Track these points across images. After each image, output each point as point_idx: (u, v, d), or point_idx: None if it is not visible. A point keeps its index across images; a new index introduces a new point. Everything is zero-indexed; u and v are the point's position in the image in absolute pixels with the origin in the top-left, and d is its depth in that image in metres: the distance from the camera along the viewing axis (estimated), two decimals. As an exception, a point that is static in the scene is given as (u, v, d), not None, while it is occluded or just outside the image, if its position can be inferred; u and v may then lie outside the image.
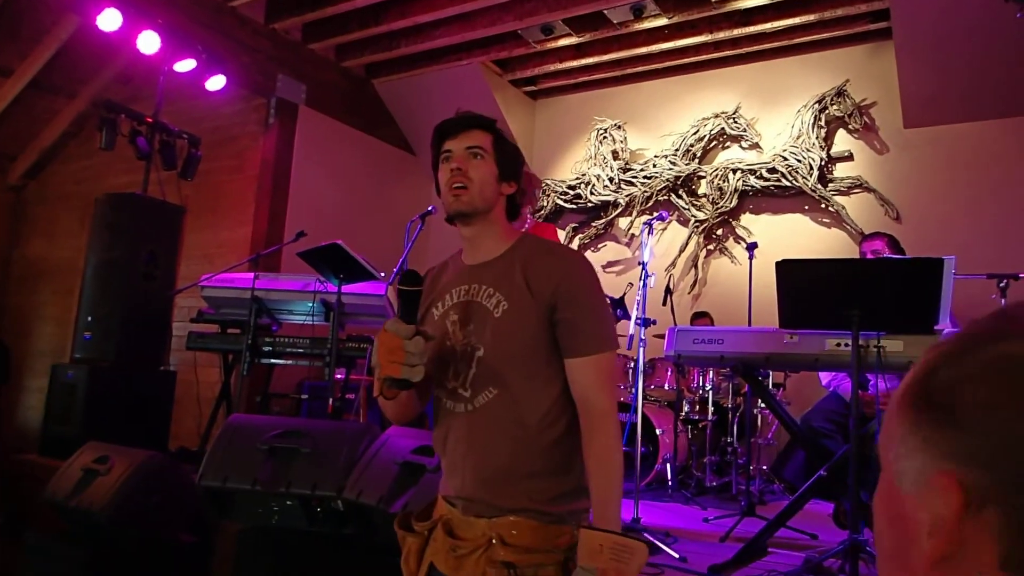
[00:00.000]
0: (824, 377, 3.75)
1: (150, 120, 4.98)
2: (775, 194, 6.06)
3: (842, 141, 5.93)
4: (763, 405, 4.91)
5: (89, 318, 4.54)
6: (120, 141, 4.95)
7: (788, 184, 5.95)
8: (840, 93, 5.87)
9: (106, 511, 3.17)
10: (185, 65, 5.24)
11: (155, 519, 3.33)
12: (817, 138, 5.89)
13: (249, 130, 6.26)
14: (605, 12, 5.68)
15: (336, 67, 6.64)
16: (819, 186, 5.83)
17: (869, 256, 3.82)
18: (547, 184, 7.00)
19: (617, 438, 1.39)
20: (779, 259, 2.77)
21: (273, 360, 4.46)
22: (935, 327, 2.62)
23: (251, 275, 4.36)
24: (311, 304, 4.32)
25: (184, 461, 4.01)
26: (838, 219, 5.82)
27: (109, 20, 4.83)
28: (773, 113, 6.22)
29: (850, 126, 5.87)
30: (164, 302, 4.78)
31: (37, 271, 7.53)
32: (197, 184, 5.49)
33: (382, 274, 3.93)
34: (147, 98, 5.64)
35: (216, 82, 5.43)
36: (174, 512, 3.42)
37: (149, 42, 4.99)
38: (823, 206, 5.85)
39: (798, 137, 5.96)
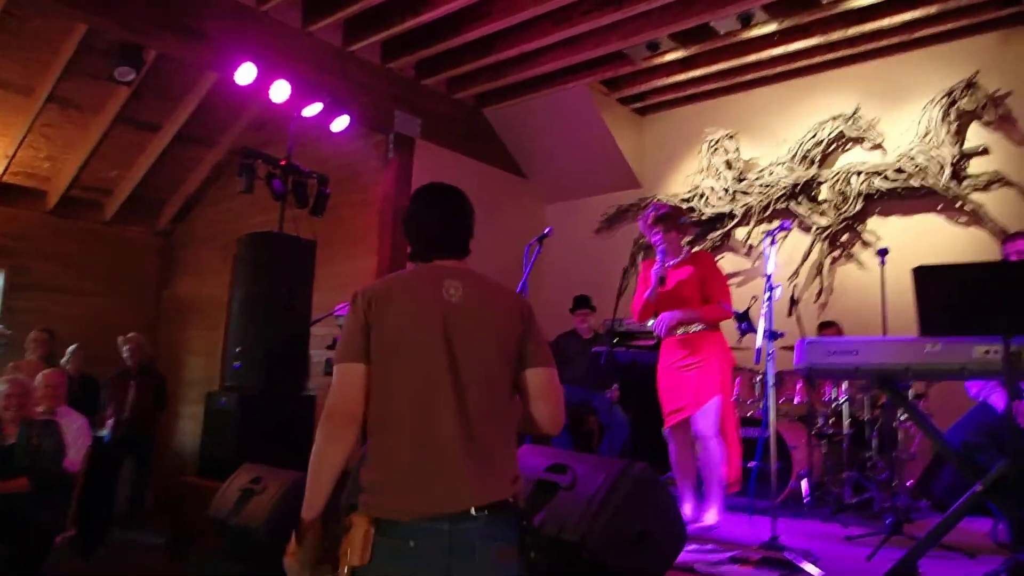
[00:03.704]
0: (972, 387, 3.54)
1: (284, 163, 5.33)
2: (903, 196, 5.77)
3: (975, 135, 5.59)
4: (903, 417, 4.66)
5: (237, 349, 4.89)
6: (256, 183, 5.34)
7: (917, 184, 5.66)
8: (970, 85, 5.54)
9: (264, 527, 3.42)
10: (313, 109, 5.59)
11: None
12: (947, 134, 5.58)
13: (371, 165, 6.60)
14: (711, 24, 5.64)
15: (448, 99, 6.91)
16: (952, 184, 5.52)
17: (1013, 258, 3.60)
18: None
19: (317, 437, 1.72)
20: (915, 265, 2.66)
21: (403, 383, 4.64)
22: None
23: (381, 303, 4.57)
24: (437, 328, 4.47)
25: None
26: (976, 218, 5.47)
27: (245, 74, 5.22)
28: (896, 112, 5.94)
29: (984, 119, 5.53)
30: (303, 331, 5.09)
31: (186, 308, 8.18)
32: (325, 219, 5.81)
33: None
34: (277, 142, 6.05)
35: (341, 123, 5.76)
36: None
37: (281, 91, 5.36)
38: (958, 205, 5.53)
39: (926, 135, 5.67)
